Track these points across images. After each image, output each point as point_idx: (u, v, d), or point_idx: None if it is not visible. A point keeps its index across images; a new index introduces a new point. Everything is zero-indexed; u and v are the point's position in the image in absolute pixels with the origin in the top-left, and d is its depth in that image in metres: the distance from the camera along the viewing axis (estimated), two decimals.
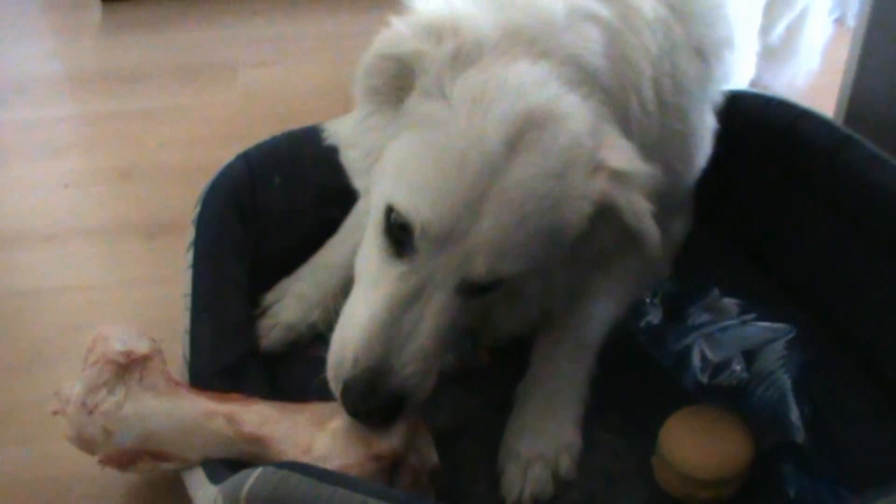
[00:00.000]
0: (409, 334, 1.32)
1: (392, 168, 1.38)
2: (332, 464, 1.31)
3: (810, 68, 2.44)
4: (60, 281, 2.09)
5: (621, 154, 1.38)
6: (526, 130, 1.30)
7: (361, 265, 1.43)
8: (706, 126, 1.69)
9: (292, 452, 1.34)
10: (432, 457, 1.42)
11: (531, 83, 1.34)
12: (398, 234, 1.34)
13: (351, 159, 1.55)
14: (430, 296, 1.33)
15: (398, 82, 1.40)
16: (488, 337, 1.63)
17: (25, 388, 1.80)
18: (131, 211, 2.30)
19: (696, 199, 1.87)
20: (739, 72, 1.87)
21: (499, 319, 1.56)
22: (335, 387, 1.37)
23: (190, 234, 1.68)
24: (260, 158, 1.84)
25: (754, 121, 1.79)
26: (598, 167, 1.35)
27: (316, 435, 1.36)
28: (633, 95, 1.48)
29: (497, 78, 1.33)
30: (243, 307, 1.70)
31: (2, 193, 2.40)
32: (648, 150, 1.46)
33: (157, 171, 2.42)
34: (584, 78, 1.39)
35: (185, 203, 1.78)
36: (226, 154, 1.86)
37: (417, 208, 1.30)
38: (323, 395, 1.40)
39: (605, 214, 1.37)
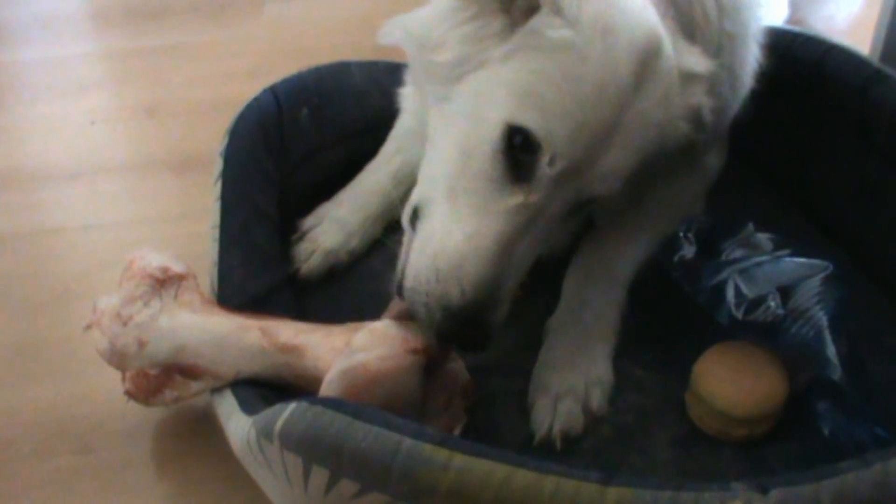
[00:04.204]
0: (519, 267, 1.32)
1: (513, 87, 1.31)
2: (371, 353, 1.31)
3: (850, 6, 2.39)
4: (87, 218, 2.10)
5: (696, 59, 1.40)
6: (647, 59, 1.30)
7: (454, 180, 1.35)
8: (755, 40, 1.66)
9: (328, 357, 1.33)
10: (464, 375, 1.43)
11: (640, 8, 1.34)
12: (519, 157, 1.30)
13: (436, 63, 1.41)
14: (542, 225, 1.32)
15: None
16: None
17: (53, 326, 1.81)
18: (158, 147, 2.30)
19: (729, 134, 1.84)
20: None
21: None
22: (421, 308, 1.33)
23: (218, 166, 1.67)
24: (287, 92, 1.83)
25: (782, 56, 1.75)
26: (686, 79, 1.37)
27: (352, 335, 1.35)
28: (696, 4, 1.47)
29: (616, 4, 1.31)
30: (272, 239, 1.69)
31: (28, 131, 2.41)
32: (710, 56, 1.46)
33: (183, 106, 2.43)
34: None
35: (212, 138, 1.77)
36: (252, 89, 1.85)
37: (551, 135, 1.27)
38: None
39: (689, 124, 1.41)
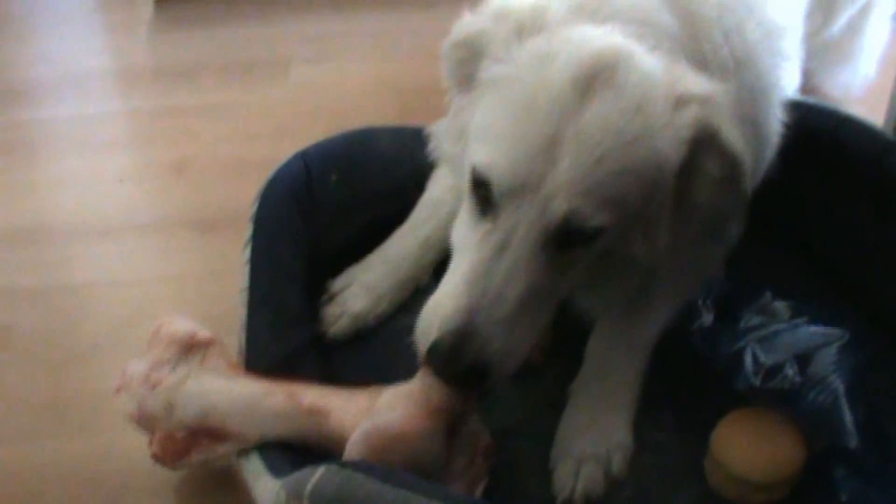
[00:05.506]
0: (497, 296, 1.29)
1: (474, 133, 1.40)
2: (394, 414, 1.33)
3: (867, 74, 2.40)
4: (115, 275, 2.12)
5: (701, 82, 1.37)
6: (595, 72, 1.30)
7: (456, 236, 1.43)
8: (778, 97, 1.66)
9: (352, 420, 1.35)
10: (485, 436, 1.44)
11: (595, 36, 1.36)
12: (482, 193, 1.34)
13: (446, 150, 1.57)
14: (514, 253, 1.30)
15: (471, 65, 1.42)
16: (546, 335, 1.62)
17: (82, 382, 1.83)
18: (185, 206, 2.32)
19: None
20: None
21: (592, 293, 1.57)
22: (422, 351, 1.35)
23: (248, 230, 1.69)
24: (317, 157, 1.86)
25: (797, 127, 1.77)
26: (681, 99, 1.33)
27: (376, 396, 1.38)
28: (705, 44, 1.48)
29: (561, 37, 1.36)
30: (300, 300, 1.71)
31: (57, 188, 2.44)
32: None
33: (211, 166, 2.44)
34: (651, 31, 1.40)
35: (239, 198, 1.80)
36: (278, 150, 1.88)
37: (493, 160, 1.31)
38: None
39: (703, 149, 1.35)
